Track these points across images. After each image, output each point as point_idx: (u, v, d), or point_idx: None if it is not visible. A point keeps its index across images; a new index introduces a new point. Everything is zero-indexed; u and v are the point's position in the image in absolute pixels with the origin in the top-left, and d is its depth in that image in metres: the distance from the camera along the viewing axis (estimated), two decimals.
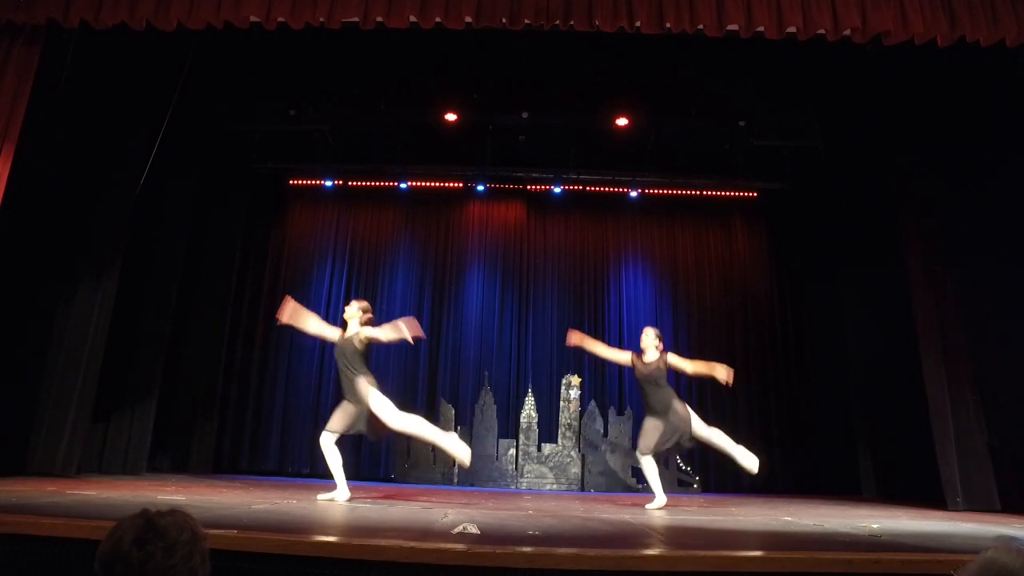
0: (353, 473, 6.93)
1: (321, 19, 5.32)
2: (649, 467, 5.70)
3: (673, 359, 5.79)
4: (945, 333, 6.41)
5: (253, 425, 9.26)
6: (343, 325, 5.38)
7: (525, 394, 9.08)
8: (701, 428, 5.68)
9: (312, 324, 5.48)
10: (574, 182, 9.75)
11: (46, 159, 6.41)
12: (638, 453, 5.79)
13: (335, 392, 9.13)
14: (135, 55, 6.79)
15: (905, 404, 7.36)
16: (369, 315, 5.35)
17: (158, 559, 1.19)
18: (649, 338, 5.87)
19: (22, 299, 6.43)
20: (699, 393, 9.36)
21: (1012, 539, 1.25)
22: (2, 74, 5.42)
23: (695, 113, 8.04)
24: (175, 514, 1.28)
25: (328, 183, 9.75)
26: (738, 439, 9.06)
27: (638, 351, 5.94)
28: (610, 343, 9.56)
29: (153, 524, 1.23)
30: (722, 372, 5.64)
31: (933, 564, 2.72)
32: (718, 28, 5.24)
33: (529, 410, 8.90)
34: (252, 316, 9.65)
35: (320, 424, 9.03)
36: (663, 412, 5.67)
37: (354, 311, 5.30)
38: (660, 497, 5.66)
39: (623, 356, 6.01)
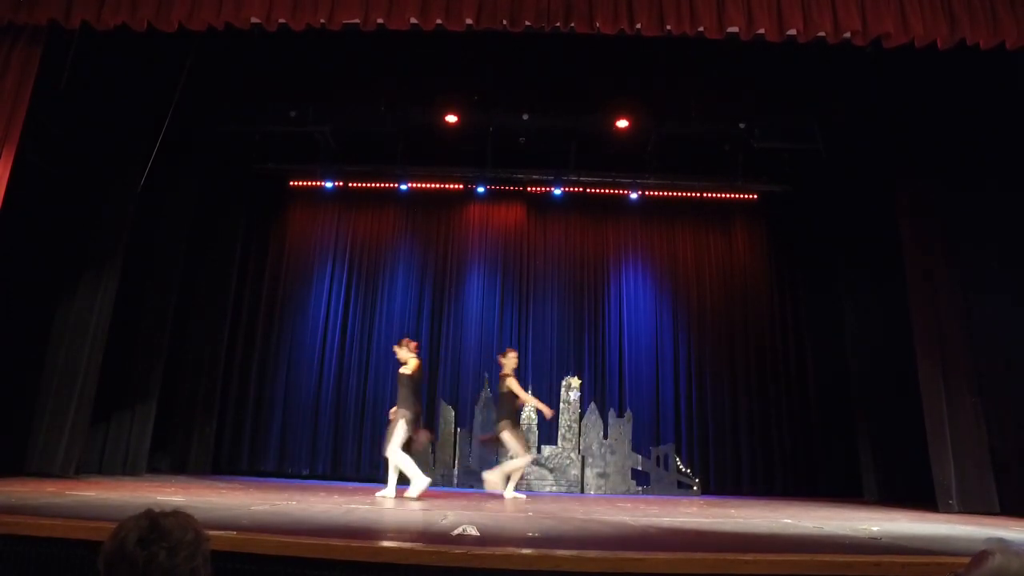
0: (352, 475, 6.93)
1: (322, 20, 5.33)
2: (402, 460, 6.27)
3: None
4: (943, 336, 6.41)
5: (253, 426, 9.25)
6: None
7: None
8: (393, 443, 6.20)
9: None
10: (574, 184, 9.74)
11: (47, 159, 6.41)
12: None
13: (335, 394, 9.19)
14: (136, 55, 6.80)
15: (906, 406, 7.35)
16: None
17: (161, 559, 1.19)
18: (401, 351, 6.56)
19: (22, 299, 6.43)
20: (699, 394, 9.37)
21: (1002, 541, 1.24)
22: (3, 75, 5.43)
23: (695, 115, 8.03)
24: (178, 515, 1.28)
25: (328, 184, 9.75)
26: (738, 440, 9.20)
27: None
28: (610, 345, 9.67)
29: (157, 524, 1.23)
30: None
31: (932, 567, 2.72)
32: (718, 30, 5.24)
33: (529, 412, 8.90)
34: (252, 317, 9.65)
35: (320, 424, 9.15)
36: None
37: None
38: (419, 481, 6.10)
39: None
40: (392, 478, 6.23)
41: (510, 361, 7.04)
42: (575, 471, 8.64)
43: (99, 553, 1.24)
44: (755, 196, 9.85)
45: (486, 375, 9.20)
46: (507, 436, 6.75)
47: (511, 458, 6.89)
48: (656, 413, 9.25)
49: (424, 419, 9.08)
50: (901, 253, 6.81)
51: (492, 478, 6.81)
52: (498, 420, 6.91)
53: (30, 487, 5.01)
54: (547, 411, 7.10)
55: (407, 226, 10.07)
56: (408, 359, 6.41)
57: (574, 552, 2.72)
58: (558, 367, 9.40)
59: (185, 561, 1.21)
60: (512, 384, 6.88)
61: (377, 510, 4.69)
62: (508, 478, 6.80)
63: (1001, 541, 1.29)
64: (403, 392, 6.34)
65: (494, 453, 7.55)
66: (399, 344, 6.58)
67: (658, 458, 8.69)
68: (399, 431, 6.08)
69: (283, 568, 2.67)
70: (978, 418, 6.21)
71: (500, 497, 6.58)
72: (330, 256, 9.97)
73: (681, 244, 10.04)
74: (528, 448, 6.93)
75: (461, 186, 9.87)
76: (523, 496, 6.75)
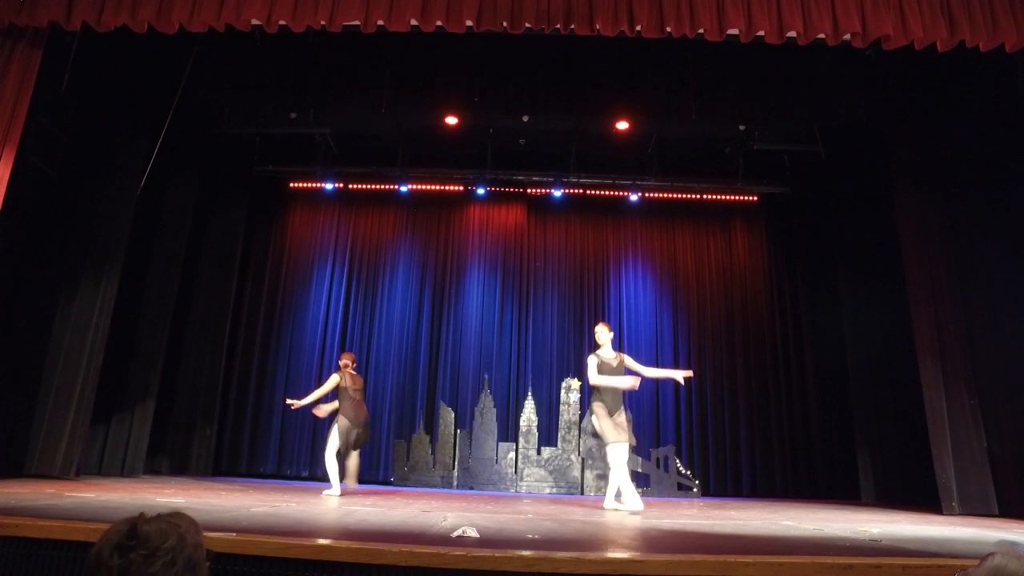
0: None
1: (322, 22, 5.33)
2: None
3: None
4: (943, 338, 6.41)
5: (252, 428, 9.25)
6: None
7: (525, 397, 9.08)
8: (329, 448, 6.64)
9: None
10: (574, 185, 9.75)
11: (47, 160, 6.41)
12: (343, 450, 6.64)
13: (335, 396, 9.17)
14: (137, 57, 6.81)
15: (905, 408, 7.37)
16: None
17: (137, 566, 1.17)
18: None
19: (22, 300, 6.43)
20: (699, 396, 9.37)
21: (1014, 544, 1.24)
22: (4, 77, 5.44)
23: (695, 117, 8.04)
24: (163, 519, 1.25)
25: (329, 186, 9.76)
26: (738, 442, 9.21)
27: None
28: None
29: (136, 531, 1.21)
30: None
31: (933, 569, 2.71)
32: (719, 32, 5.24)
33: (529, 413, 8.90)
34: (252, 318, 9.65)
35: (319, 426, 9.14)
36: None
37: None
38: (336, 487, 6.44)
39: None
40: (334, 477, 6.54)
41: (600, 336, 5.83)
42: (575, 473, 8.63)
43: None
44: (755, 198, 9.86)
45: (486, 376, 9.19)
46: (600, 420, 5.50)
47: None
48: (656, 415, 9.25)
49: (424, 420, 9.14)
50: (901, 254, 6.81)
51: (609, 505, 5.59)
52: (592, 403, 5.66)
53: (29, 488, 5.00)
54: (679, 376, 5.59)
55: (407, 228, 10.07)
56: (345, 368, 6.84)
57: (573, 554, 2.72)
58: (558, 369, 9.40)
59: (164, 568, 1.19)
60: (589, 362, 5.68)
61: (377, 512, 4.68)
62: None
63: (1011, 544, 1.29)
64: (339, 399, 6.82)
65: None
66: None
67: (658, 460, 8.68)
68: (333, 436, 6.55)
69: (283, 570, 2.66)
70: (977, 420, 6.21)
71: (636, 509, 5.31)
72: (330, 258, 9.97)
73: (681, 246, 10.04)
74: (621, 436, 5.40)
75: (461, 188, 9.88)
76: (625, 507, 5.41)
